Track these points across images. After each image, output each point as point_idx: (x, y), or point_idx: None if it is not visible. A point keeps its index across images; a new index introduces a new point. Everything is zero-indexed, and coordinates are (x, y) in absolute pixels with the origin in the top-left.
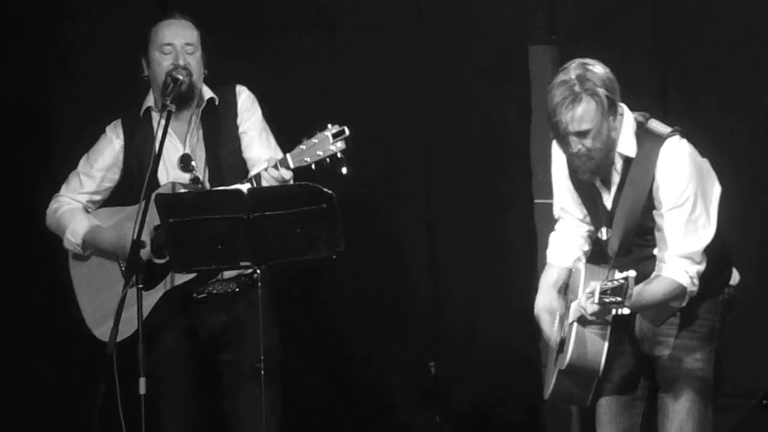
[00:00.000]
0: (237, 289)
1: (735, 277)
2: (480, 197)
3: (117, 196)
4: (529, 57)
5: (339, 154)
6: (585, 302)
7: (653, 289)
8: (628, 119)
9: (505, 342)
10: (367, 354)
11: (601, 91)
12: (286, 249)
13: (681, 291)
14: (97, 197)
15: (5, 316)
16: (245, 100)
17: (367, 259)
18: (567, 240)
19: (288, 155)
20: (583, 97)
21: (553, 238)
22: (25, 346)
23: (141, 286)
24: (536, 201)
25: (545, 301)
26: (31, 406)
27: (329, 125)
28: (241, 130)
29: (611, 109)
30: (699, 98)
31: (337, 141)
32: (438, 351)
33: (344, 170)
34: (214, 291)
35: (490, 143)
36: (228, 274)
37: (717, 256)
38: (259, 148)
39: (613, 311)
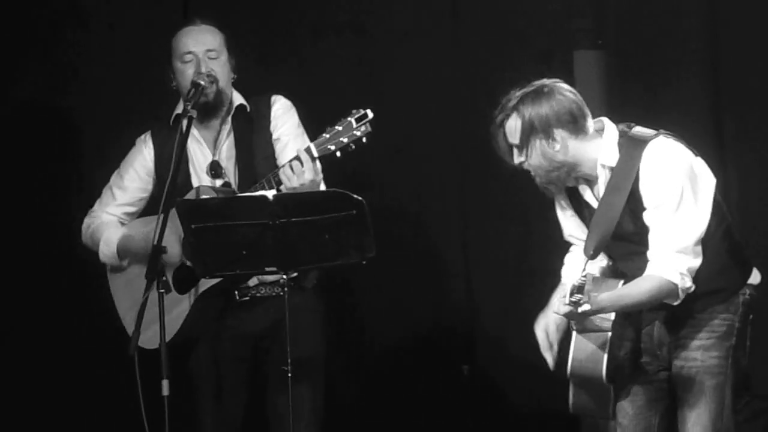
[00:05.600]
0: (282, 293)
1: (756, 277)
2: (515, 205)
3: (151, 208)
4: (574, 63)
5: (364, 139)
6: (557, 305)
7: (638, 287)
8: (610, 132)
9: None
10: (401, 357)
11: (528, 112)
12: (314, 255)
13: (670, 288)
14: (132, 209)
15: (44, 323)
16: (279, 108)
17: (402, 264)
18: (577, 259)
19: (311, 144)
20: (511, 115)
21: (566, 259)
22: (65, 349)
23: (162, 290)
24: None
25: (543, 320)
26: (70, 407)
27: (353, 110)
28: (274, 136)
29: (541, 132)
30: (755, 105)
31: (360, 125)
32: (472, 354)
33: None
34: (258, 294)
35: None
36: (272, 277)
37: (729, 251)
38: (293, 153)
39: (579, 309)
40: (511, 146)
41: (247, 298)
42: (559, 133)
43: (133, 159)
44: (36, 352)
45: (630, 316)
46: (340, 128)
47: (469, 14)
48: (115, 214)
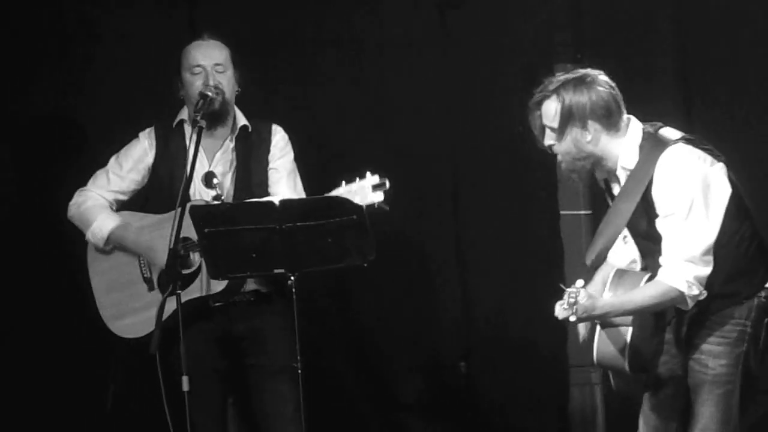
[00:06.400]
0: (252, 299)
1: None
2: (506, 209)
3: (138, 200)
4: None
5: (376, 205)
6: (557, 309)
7: (643, 293)
8: (633, 132)
9: (534, 344)
10: (398, 356)
11: (568, 98)
12: (319, 258)
13: (677, 295)
14: (122, 197)
15: (44, 323)
16: (279, 139)
17: (398, 265)
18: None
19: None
20: (551, 97)
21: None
22: (65, 349)
23: (179, 291)
24: (562, 213)
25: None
26: (45, 401)
27: (369, 174)
28: (271, 165)
29: (578, 122)
30: (723, 115)
31: (376, 192)
32: (468, 354)
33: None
34: (230, 300)
35: (516, 157)
36: (248, 287)
37: (746, 255)
38: (286, 188)
39: (570, 319)
40: (544, 127)
41: (220, 303)
42: (593, 125)
43: (134, 151)
44: (36, 352)
45: (656, 312)
46: (355, 188)
47: (459, 30)
48: (106, 198)
